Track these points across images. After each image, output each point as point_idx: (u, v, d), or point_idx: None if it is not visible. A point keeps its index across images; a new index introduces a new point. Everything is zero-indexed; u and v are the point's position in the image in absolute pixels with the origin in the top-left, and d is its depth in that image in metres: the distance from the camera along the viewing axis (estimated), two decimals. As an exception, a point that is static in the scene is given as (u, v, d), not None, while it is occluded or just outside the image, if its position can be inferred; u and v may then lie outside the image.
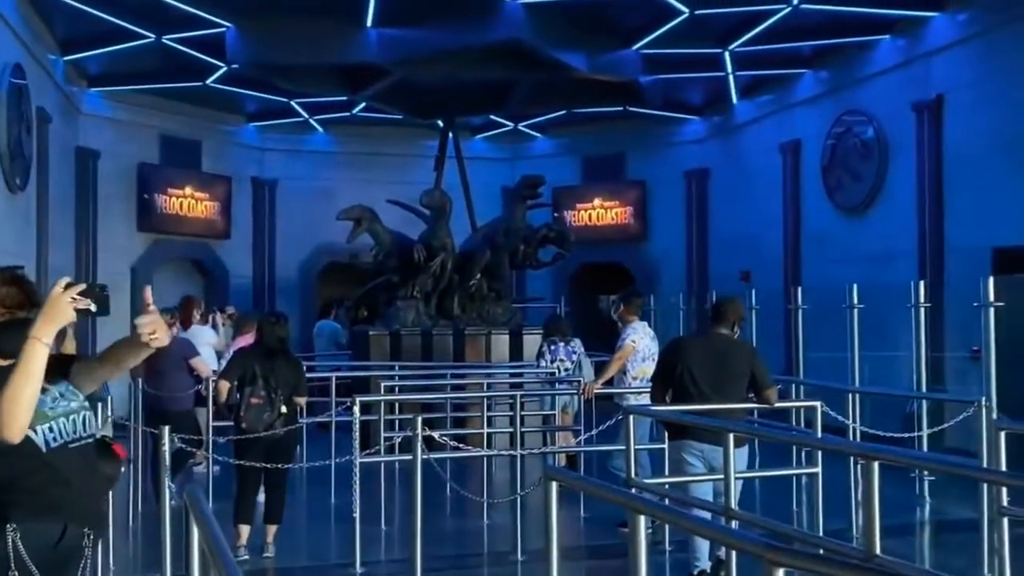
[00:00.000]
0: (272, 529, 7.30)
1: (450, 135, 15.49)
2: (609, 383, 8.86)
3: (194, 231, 17.42)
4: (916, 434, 9.35)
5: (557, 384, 10.03)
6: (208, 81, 14.97)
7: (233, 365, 7.50)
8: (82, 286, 2.96)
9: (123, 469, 3.61)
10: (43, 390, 2.98)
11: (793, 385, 10.31)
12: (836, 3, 12.11)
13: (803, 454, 8.81)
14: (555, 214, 18.19)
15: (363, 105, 16.50)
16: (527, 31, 12.50)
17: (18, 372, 2.87)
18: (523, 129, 19.16)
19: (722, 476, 5.63)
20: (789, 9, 12.01)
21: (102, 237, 15.53)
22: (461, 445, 8.41)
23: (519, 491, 7.32)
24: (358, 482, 6.80)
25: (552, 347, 10.42)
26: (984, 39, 11.72)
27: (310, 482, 10.19)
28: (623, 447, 6.65)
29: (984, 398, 7.59)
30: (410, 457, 6.62)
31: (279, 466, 7.26)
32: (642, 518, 3.42)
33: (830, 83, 14.56)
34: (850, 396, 9.11)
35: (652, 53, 13.90)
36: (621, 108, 16.81)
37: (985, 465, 6.27)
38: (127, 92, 15.75)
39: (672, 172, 18.31)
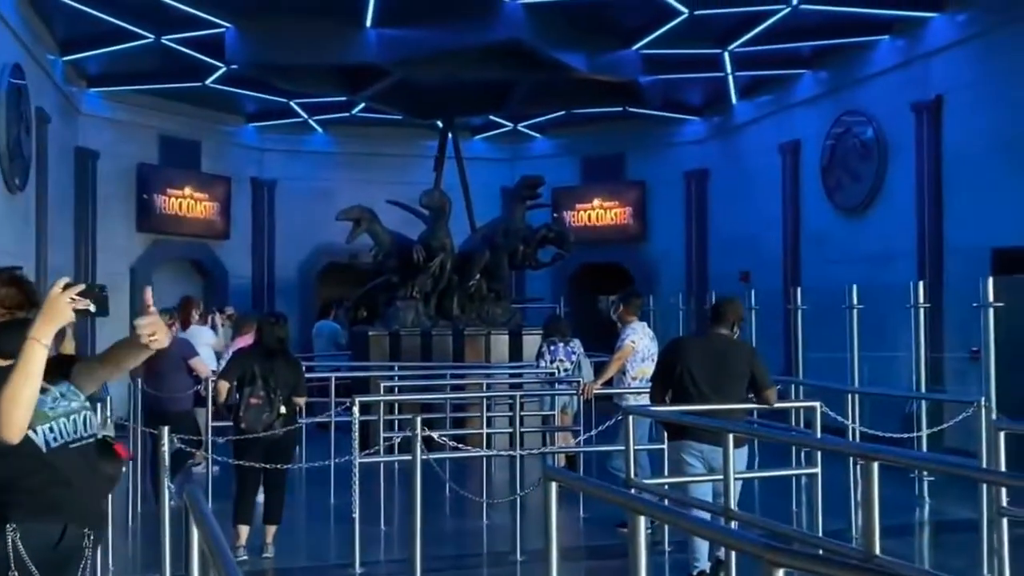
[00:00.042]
0: (271, 529, 7.30)
1: (449, 135, 15.48)
2: (608, 383, 8.87)
3: (193, 231, 17.41)
4: (915, 434, 9.36)
5: (556, 384, 10.02)
6: (207, 81, 14.96)
7: (232, 365, 7.51)
8: (81, 286, 2.95)
9: (124, 469, 3.61)
10: (43, 390, 2.98)
11: (792, 385, 10.31)
12: (835, 3, 12.11)
13: (802, 454, 8.80)
14: (554, 214, 18.19)
15: (362, 105, 16.48)
16: (527, 31, 12.50)
17: (17, 372, 2.87)
18: (522, 129, 19.14)
19: (721, 476, 5.62)
20: (788, 9, 12.01)
21: (101, 237, 15.52)
22: (460, 445, 8.41)
23: (518, 491, 7.31)
24: (357, 482, 6.80)
25: (551, 347, 10.41)
26: (983, 40, 11.72)
27: (309, 482, 10.18)
28: (622, 447, 6.64)
29: (983, 398, 7.60)
30: (409, 457, 6.62)
31: (278, 466, 7.25)
32: (642, 518, 3.42)
33: (829, 83, 14.56)
34: (849, 396, 9.10)
35: (652, 53, 13.89)
36: (621, 108, 16.80)
37: (984, 465, 6.26)
38: (126, 92, 15.74)
39: (672, 172, 18.31)
